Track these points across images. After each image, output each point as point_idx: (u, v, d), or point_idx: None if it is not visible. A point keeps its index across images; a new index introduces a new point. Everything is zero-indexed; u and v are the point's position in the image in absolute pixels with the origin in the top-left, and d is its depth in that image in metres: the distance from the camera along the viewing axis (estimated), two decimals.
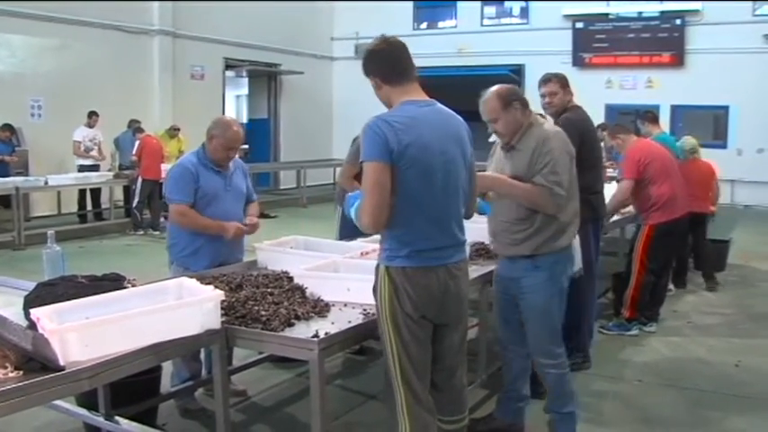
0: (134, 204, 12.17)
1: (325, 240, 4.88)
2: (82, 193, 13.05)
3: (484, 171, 3.99)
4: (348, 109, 18.80)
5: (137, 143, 12.22)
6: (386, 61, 3.09)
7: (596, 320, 6.08)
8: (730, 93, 16.15)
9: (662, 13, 17.15)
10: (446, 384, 3.27)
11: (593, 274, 5.36)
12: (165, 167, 10.51)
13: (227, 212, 4.47)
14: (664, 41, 17.15)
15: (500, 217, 3.97)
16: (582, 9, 17.81)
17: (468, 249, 3.38)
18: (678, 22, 16.99)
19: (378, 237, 3.33)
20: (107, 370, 2.68)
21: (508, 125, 3.88)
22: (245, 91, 21.20)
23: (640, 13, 17.44)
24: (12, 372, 2.52)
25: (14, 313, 2.89)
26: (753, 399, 4.98)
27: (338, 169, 7.30)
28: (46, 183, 11.62)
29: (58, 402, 3.63)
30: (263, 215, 12.01)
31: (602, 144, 6.44)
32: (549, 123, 4.08)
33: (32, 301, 2.96)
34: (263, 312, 3.32)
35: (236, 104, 22.64)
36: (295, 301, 3.57)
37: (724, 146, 16.15)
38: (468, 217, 3.38)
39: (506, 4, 19.47)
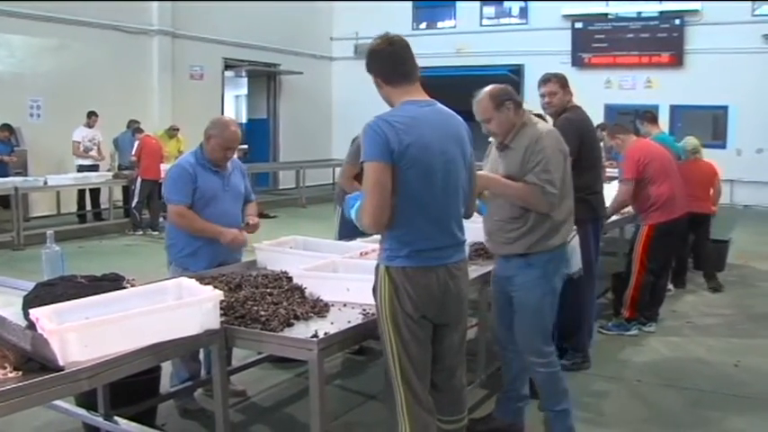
0: (133, 204, 12.16)
1: (325, 240, 4.88)
2: (81, 193, 13.06)
3: (479, 171, 3.99)
4: (347, 109, 18.82)
5: (136, 143, 12.21)
6: (388, 62, 3.09)
7: (596, 320, 6.08)
8: (729, 93, 16.16)
9: (661, 13, 17.16)
10: (446, 384, 3.27)
11: (593, 275, 5.36)
12: (165, 167, 10.51)
13: (225, 212, 4.47)
14: (663, 41, 17.15)
15: (494, 216, 3.98)
16: (581, 9, 17.82)
17: (467, 249, 3.38)
18: (677, 22, 16.99)
19: (377, 237, 3.34)
20: (106, 370, 2.68)
21: (501, 125, 3.90)
22: (244, 91, 21.19)
23: (639, 13, 17.45)
24: (11, 372, 2.51)
25: (14, 313, 2.88)
26: (752, 399, 4.98)
27: (338, 169, 7.31)
28: (45, 183, 11.62)
29: (57, 402, 3.63)
30: (262, 215, 12.01)
31: (601, 144, 6.45)
32: (542, 123, 4.07)
33: (32, 301, 2.96)
34: (263, 312, 3.31)
35: (235, 104, 22.63)
36: (294, 301, 3.57)
37: (723, 146, 16.15)
38: (468, 217, 3.38)
39: (505, 4, 19.48)
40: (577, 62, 17.73)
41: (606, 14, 17.78)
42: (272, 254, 4.45)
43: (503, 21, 19.47)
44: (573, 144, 5.00)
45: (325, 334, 3.12)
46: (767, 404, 4.90)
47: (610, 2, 17.81)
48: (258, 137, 19.00)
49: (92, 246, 10.94)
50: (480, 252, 4.70)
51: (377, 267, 3.12)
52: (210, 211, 4.41)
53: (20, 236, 10.51)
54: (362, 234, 4.53)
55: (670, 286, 7.56)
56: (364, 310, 3.45)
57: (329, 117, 20.87)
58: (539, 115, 4.92)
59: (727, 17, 16.20)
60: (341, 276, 3.89)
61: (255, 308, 3.37)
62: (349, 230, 4.79)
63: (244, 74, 19.87)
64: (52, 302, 2.85)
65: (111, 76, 14.44)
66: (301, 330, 3.24)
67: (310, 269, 3.92)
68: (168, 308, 3.02)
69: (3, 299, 3.47)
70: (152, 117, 15.07)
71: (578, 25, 17.95)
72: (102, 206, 13.04)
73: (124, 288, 3.23)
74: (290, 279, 3.89)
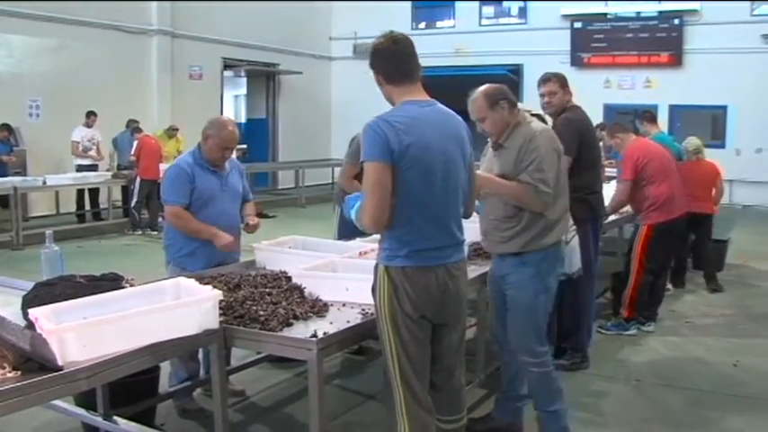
0: (132, 204, 12.16)
1: (324, 240, 4.88)
2: (80, 193, 13.05)
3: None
4: (346, 109, 18.82)
5: (135, 143, 12.21)
6: (390, 60, 3.09)
7: (595, 320, 6.08)
8: (728, 92, 16.16)
9: (660, 12, 17.16)
10: (445, 384, 3.27)
11: (593, 274, 5.37)
12: (164, 167, 10.49)
13: (223, 213, 4.47)
14: (662, 41, 17.15)
15: (489, 215, 3.99)
16: (580, 9, 17.81)
17: (466, 249, 3.38)
18: (676, 21, 16.99)
19: (376, 236, 3.34)
20: (105, 370, 2.68)
21: (495, 124, 3.90)
22: (243, 91, 21.19)
23: (639, 12, 17.45)
24: (10, 372, 2.52)
25: (13, 313, 2.88)
26: (751, 398, 4.98)
27: (337, 169, 7.31)
28: (44, 183, 11.61)
29: (56, 402, 3.62)
30: (261, 215, 11.99)
31: (600, 144, 6.45)
32: (537, 122, 4.07)
33: (31, 300, 2.96)
34: (262, 312, 3.31)
35: (234, 104, 22.63)
36: (293, 300, 3.57)
37: (722, 146, 16.14)
38: (467, 216, 3.38)
39: (504, 3, 19.48)
40: (576, 62, 17.72)
41: (605, 14, 17.78)
42: (271, 253, 4.45)
43: (502, 20, 19.47)
44: (572, 144, 5.02)
45: (325, 334, 3.12)
46: (766, 404, 4.90)
47: (609, 2, 17.81)
48: (257, 137, 19.01)
49: (91, 245, 10.93)
50: (479, 252, 4.70)
51: (376, 267, 3.12)
52: (209, 212, 4.41)
53: (19, 236, 10.50)
54: (361, 234, 4.54)
55: (669, 286, 7.57)
56: (363, 309, 3.45)
57: (328, 117, 20.87)
58: (537, 115, 4.92)
59: (727, 17, 16.20)
60: (340, 276, 3.89)
61: (254, 308, 3.37)
62: (348, 230, 4.79)
63: (243, 74, 19.86)
64: (51, 302, 2.85)
65: (111, 75, 14.43)
66: (300, 330, 3.24)
67: (309, 269, 3.92)
68: (167, 308, 3.02)
69: (2, 298, 3.48)
70: (151, 117, 15.07)
71: (577, 25, 17.95)
72: (102, 206, 13.03)
73: (123, 288, 3.23)
74: (289, 279, 3.90)
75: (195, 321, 3.00)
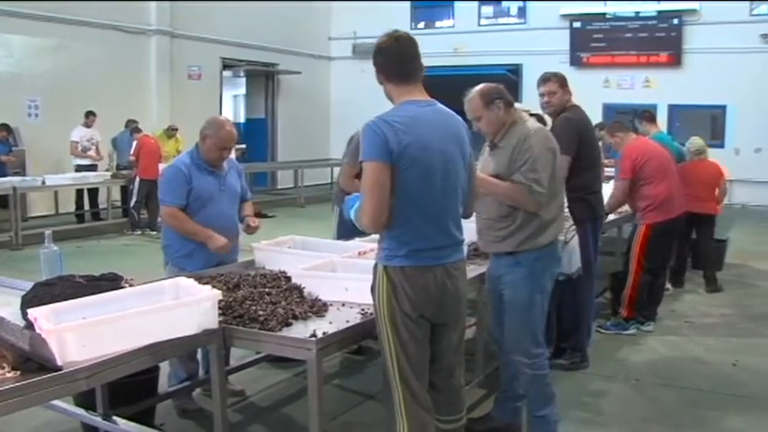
0: (131, 204, 12.16)
1: (323, 240, 4.89)
2: (79, 193, 13.04)
3: None
4: (346, 109, 18.82)
5: (134, 143, 12.21)
6: (392, 60, 3.09)
7: (594, 320, 6.08)
8: (727, 92, 16.17)
9: (659, 12, 17.17)
10: (444, 384, 3.27)
11: (592, 274, 5.37)
12: (163, 167, 10.49)
13: (221, 213, 4.46)
14: (661, 41, 17.16)
15: (484, 215, 3.98)
16: (579, 9, 17.82)
17: (466, 249, 3.38)
18: (675, 21, 17.00)
19: (375, 236, 3.34)
20: (104, 370, 2.68)
21: (490, 123, 3.91)
22: (242, 91, 21.18)
23: (638, 12, 17.45)
24: (9, 372, 2.51)
25: (12, 313, 2.88)
26: (750, 398, 4.98)
27: (336, 169, 7.31)
28: (43, 183, 11.61)
29: (55, 402, 3.62)
30: (260, 215, 11.97)
31: (600, 143, 6.45)
32: (533, 121, 4.06)
33: (30, 300, 2.95)
34: (261, 312, 3.31)
35: (233, 104, 22.63)
36: (293, 300, 3.56)
37: (721, 145, 16.13)
38: (467, 217, 3.38)
39: (504, 3, 19.49)
40: (576, 62, 17.73)
41: (604, 14, 17.79)
42: (270, 253, 4.45)
43: (501, 20, 19.48)
44: (572, 143, 5.03)
45: (324, 334, 3.12)
46: (765, 403, 4.91)
47: (608, 1, 17.82)
48: (256, 137, 19.03)
49: (90, 245, 10.93)
50: (478, 252, 4.70)
51: (375, 267, 3.12)
52: (207, 212, 4.40)
53: (18, 236, 10.50)
54: (361, 234, 4.54)
55: (668, 285, 7.57)
56: (363, 309, 3.45)
57: (327, 117, 20.86)
58: (536, 115, 4.92)
59: (726, 17, 16.21)
60: (339, 276, 3.89)
61: (254, 307, 3.37)
62: (347, 230, 4.79)
63: (242, 74, 19.85)
64: (50, 302, 2.85)
65: (110, 75, 14.43)
66: (300, 330, 3.23)
67: (309, 269, 3.91)
68: (166, 308, 3.01)
69: (1, 298, 3.48)
70: (150, 117, 15.07)
71: (576, 25, 17.95)
72: (101, 206, 13.02)
73: (122, 288, 3.23)
74: (288, 279, 3.89)
75: (194, 321, 3.00)
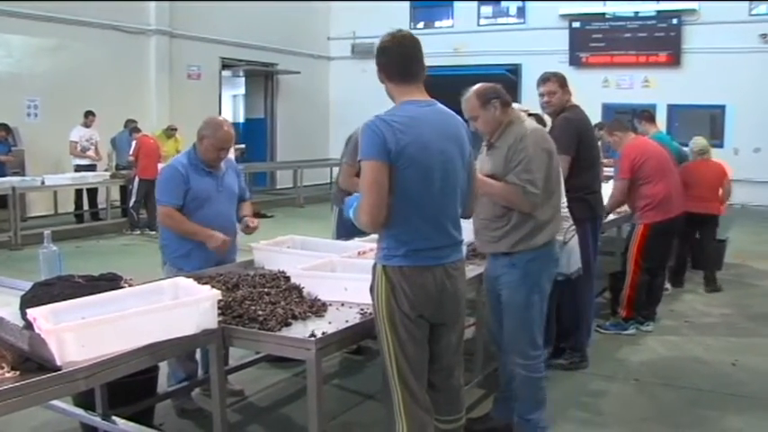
0: (131, 204, 12.15)
1: (323, 240, 4.88)
2: (78, 193, 13.03)
3: None
4: (345, 108, 18.82)
5: (133, 143, 12.20)
6: (393, 59, 3.10)
7: (593, 320, 6.07)
8: (727, 92, 16.18)
9: (658, 12, 17.17)
10: (443, 384, 3.27)
11: (592, 274, 5.37)
12: (162, 167, 10.49)
13: (219, 214, 4.45)
14: (660, 41, 17.17)
15: (480, 215, 3.97)
16: (578, 9, 17.82)
17: (465, 249, 3.37)
18: (675, 21, 17.01)
19: (375, 236, 3.33)
20: (104, 370, 2.67)
21: (487, 123, 3.90)
22: (241, 91, 21.19)
23: (637, 12, 17.46)
24: (8, 372, 2.51)
25: (11, 313, 2.88)
26: (750, 398, 4.98)
27: (335, 169, 7.31)
28: (42, 183, 11.60)
29: (54, 402, 3.62)
30: (259, 215, 11.96)
31: (599, 143, 6.45)
32: (530, 121, 4.05)
33: (29, 300, 2.95)
34: (260, 312, 3.31)
35: (232, 104, 22.63)
36: (292, 300, 3.56)
37: (720, 145, 16.12)
38: (467, 217, 3.38)
39: (503, 3, 19.50)
40: (575, 61, 17.73)
41: (603, 14, 17.80)
42: (269, 253, 4.45)
43: (500, 20, 19.50)
44: (571, 143, 5.03)
45: (323, 333, 3.12)
46: (765, 403, 4.91)
47: (607, 1, 17.83)
48: (255, 136, 19.03)
49: (89, 245, 10.93)
50: (477, 252, 4.70)
51: (374, 267, 3.12)
52: (204, 213, 4.39)
53: (17, 236, 10.50)
54: (360, 234, 4.54)
55: (668, 285, 7.57)
56: (362, 309, 3.45)
57: (326, 117, 20.86)
58: (535, 115, 4.92)
59: (725, 17, 16.22)
60: (339, 276, 3.89)
61: (253, 307, 3.37)
62: (347, 230, 4.79)
63: (241, 73, 19.85)
64: (49, 302, 2.85)
65: (109, 75, 14.42)
66: (299, 330, 3.23)
67: (308, 269, 3.91)
68: (165, 307, 3.01)
69: (0, 298, 3.47)
70: (149, 117, 15.07)
71: (576, 25, 17.95)
72: (100, 206, 13.01)
73: (121, 288, 3.22)
74: (287, 278, 3.89)
75: (194, 321, 3.00)
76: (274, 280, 3.89)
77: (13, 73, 13.07)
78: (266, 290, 3.68)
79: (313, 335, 3.08)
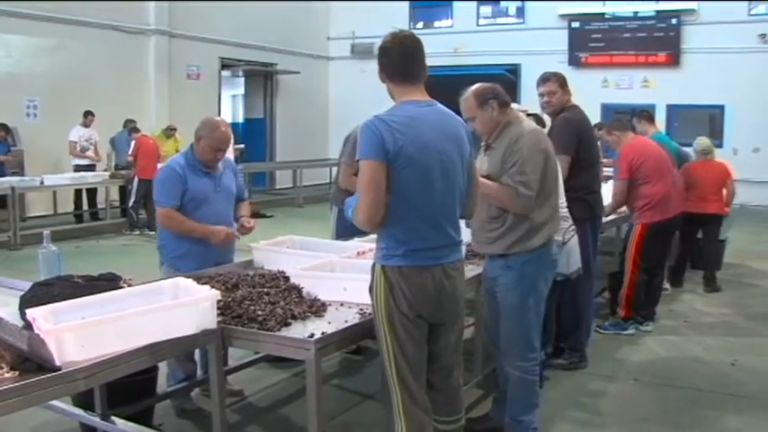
0: (130, 204, 12.15)
1: (322, 240, 4.88)
2: (78, 193, 13.02)
3: None
4: (344, 108, 18.81)
5: (132, 143, 12.20)
6: (394, 60, 3.10)
7: (593, 320, 6.07)
8: (726, 92, 16.19)
9: (658, 12, 17.19)
10: (443, 384, 3.27)
11: (592, 274, 5.36)
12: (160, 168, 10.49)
13: (217, 214, 4.44)
14: (659, 41, 17.18)
15: (477, 216, 3.96)
16: (578, 9, 17.83)
17: (464, 249, 3.37)
18: (674, 21, 17.02)
19: (374, 236, 3.33)
20: (103, 370, 2.67)
21: (484, 123, 3.90)
22: (241, 91, 21.17)
23: (636, 12, 17.47)
24: (8, 372, 2.51)
25: (10, 313, 2.88)
26: (749, 398, 4.98)
27: (334, 169, 7.31)
28: (42, 183, 11.60)
29: (54, 402, 3.62)
30: (258, 215, 11.96)
31: (598, 143, 6.45)
32: (528, 122, 4.04)
33: (28, 301, 2.95)
34: (260, 312, 3.31)
35: (232, 104, 22.61)
36: (291, 300, 3.56)
37: (720, 145, 16.06)
38: (468, 217, 3.38)
39: (502, 3, 19.50)
40: (574, 61, 17.73)
41: (603, 14, 17.81)
42: (268, 253, 4.45)
43: (499, 20, 19.51)
44: (571, 143, 5.03)
45: (323, 334, 3.12)
46: (764, 403, 4.91)
47: (606, 1, 17.83)
48: (255, 136, 19.03)
49: (88, 246, 10.92)
50: (476, 252, 4.70)
51: (373, 266, 3.13)
52: (202, 213, 4.38)
53: (17, 236, 10.49)
54: (360, 234, 4.54)
55: (667, 285, 7.58)
56: (361, 309, 3.45)
57: (326, 117, 20.85)
58: (534, 115, 4.92)
59: (724, 17, 16.24)
60: (338, 276, 3.89)
61: (252, 307, 3.37)
62: (346, 230, 4.79)
63: (240, 73, 19.85)
64: (49, 302, 2.85)
65: (108, 75, 14.42)
66: (298, 330, 3.23)
67: (307, 269, 3.91)
68: (165, 308, 3.01)
69: (0, 299, 3.47)
70: (149, 117, 15.07)
71: (575, 25, 17.96)
72: (99, 206, 13.00)
73: (121, 288, 3.22)
74: (287, 279, 3.89)
75: (193, 321, 3.00)
76: (274, 280, 3.89)
77: (12, 73, 13.07)
78: (266, 290, 3.68)
79: (312, 335, 3.08)
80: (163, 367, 4.35)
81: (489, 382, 4.66)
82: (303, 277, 3.82)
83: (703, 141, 8.29)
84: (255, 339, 3.21)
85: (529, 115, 4.43)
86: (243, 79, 20.44)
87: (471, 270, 4.23)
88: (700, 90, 16.35)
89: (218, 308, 3.22)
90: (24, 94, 13.27)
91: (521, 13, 18.95)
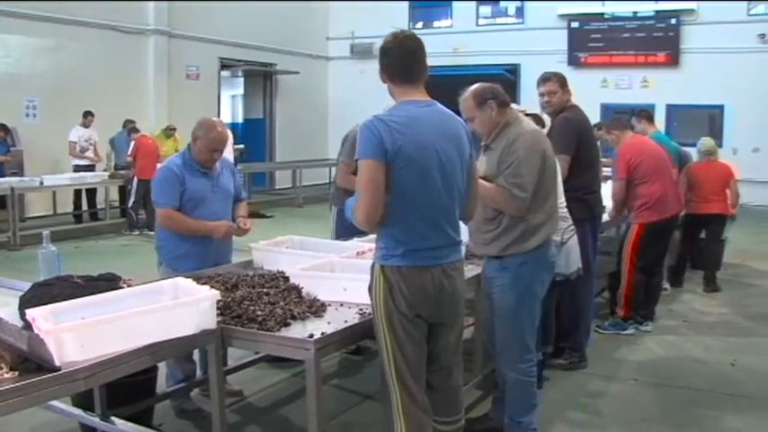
0: (129, 204, 12.14)
1: (321, 240, 4.88)
2: (77, 193, 13.02)
3: None
4: (344, 109, 18.80)
5: (132, 143, 12.19)
6: (395, 60, 3.10)
7: (593, 320, 6.07)
8: (725, 92, 16.19)
9: (657, 12, 17.19)
10: (442, 384, 3.27)
11: (591, 274, 5.36)
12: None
13: (214, 214, 4.43)
14: (659, 41, 17.18)
15: (474, 217, 3.96)
16: (577, 9, 17.83)
17: (464, 249, 3.37)
18: (673, 21, 17.02)
19: (373, 237, 3.33)
20: (103, 370, 2.67)
21: (483, 124, 3.88)
22: (240, 91, 21.18)
23: (635, 12, 17.47)
24: (7, 372, 2.51)
25: (10, 313, 2.88)
26: (749, 398, 4.98)
27: (334, 169, 7.31)
28: (41, 183, 11.59)
29: (53, 403, 3.62)
30: (258, 215, 11.95)
31: (598, 143, 6.45)
32: (527, 122, 4.03)
33: (28, 301, 2.95)
34: (259, 312, 3.31)
35: (231, 104, 22.61)
36: (291, 300, 3.56)
37: (719, 145, 15.99)
38: (467, 218, 3.37)
39: (502, 3, 19.50)
40: (574, 61, 17.73)
41: (602, 14, 17.81)
42: (268, 254, 4.45)
43: (499, 20, 19.51)
44: (571, 143, 5.03)
45: (322, 334, 3.12)
46: (763, 403, 4.92)
47: (606, 1, 17.83)
48: (254, 137, 19.03)
49: (88, 246, 10.92)
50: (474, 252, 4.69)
51: (372, 266, 3.12)
52: (199, 213, 4.37)
53: (16, 236, 10.49)
54: (359, 234, 4.53)
55: (666, 285, 7.57)
56: (361, 309, 3.45)
57: (325, 117, 20.85)
58: (534, 115, 4.91)
59: (723, 17, 16.25)
60: (338, 276, 3.88)
61: (252, 308, 3.37)
62: (345, 230, 4.79)
63: (240, 74, 19.85)
64: (49, 303, 2.85)
65: (108, 75, 14.42)
66: (298, 330, 3.23)
67: (307, 269, 3.91)
68: (165, 308, 3.01)
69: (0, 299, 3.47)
70: (148, 117, 15.07)
71: (574, 25, 17.96)
72: (99, 206, 13.00)
73: (121, 288, 3.22)
74: (286, 279, 3.89)
75: (193, 321, 3.00)
76: (273, 280, 3.89)
77: (11, 73, 13.07)
78: (265, 290, 3.68)
79: (312, 335, 3.08)
80: (162, 367, 4.35)
81: (489, 383, 4.66)
82: (303, 277, 3.82)
83: (707, 142, 8.30)
84: (255, 339, 3.21)
85: (528, 115, 4.42)
86: (242, 79, 20.44)
87: (471, 270, 4.22)
88: (699, 90, 16.36)
89: (218, 308, 3.22)
90: (24, 95, 13.27)
91: (520, 13, 18.95)
